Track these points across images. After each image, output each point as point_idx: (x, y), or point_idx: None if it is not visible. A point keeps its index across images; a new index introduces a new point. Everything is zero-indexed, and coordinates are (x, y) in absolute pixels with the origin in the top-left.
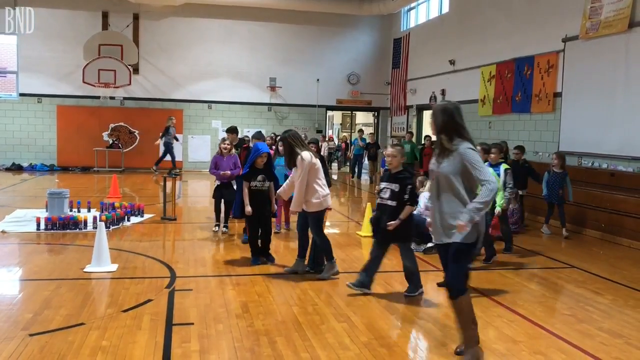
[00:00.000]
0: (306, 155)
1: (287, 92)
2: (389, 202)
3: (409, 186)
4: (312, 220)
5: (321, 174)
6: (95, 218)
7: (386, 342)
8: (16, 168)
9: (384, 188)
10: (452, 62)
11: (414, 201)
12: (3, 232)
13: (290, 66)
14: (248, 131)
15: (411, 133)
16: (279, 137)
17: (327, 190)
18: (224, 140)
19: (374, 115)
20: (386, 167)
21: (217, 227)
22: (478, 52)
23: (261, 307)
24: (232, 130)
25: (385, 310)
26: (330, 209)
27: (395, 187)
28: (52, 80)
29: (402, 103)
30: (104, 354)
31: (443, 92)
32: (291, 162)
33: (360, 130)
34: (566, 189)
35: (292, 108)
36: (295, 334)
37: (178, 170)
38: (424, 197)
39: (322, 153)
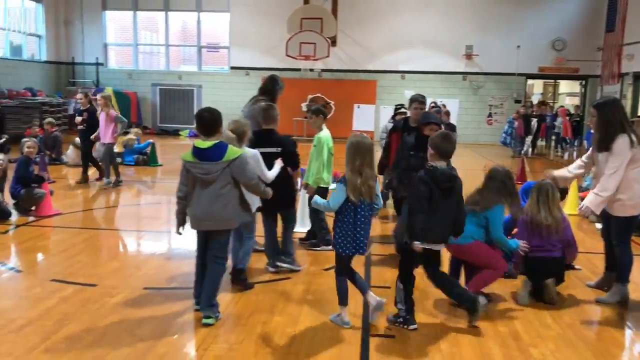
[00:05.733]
0: (627, 139)
1: (484, 60)
2: None
3: None
4: (619, 227)
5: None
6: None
7: (593, 327)
8: None
9: None
10: None
11: None
12: None
13: (488, 33)
14: (441, 101)
15: None
16: (592, 104)
17: None
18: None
19: (581, 84)
20: None
21: None
22: None
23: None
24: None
25: (594, 294)
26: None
27: None
28: (258, 54)
29: (616, 70)
30: (309, 306)
31: None
32: (604, 144)
33: None
34: None
35: (488, 77)
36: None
37: None
38: None
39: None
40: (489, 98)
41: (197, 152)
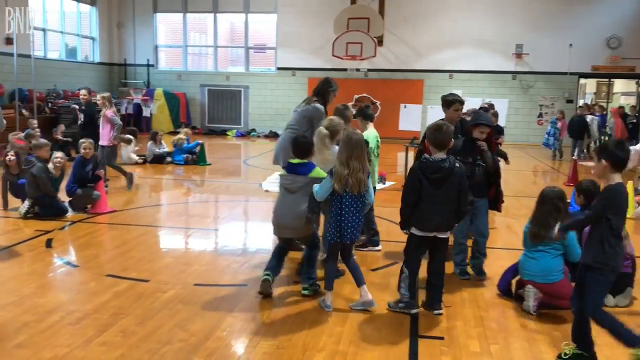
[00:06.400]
0: None
1: (535, 59)
2: None
3: None
4: None
5: None
6: None
7: None
8: (273, 135)
9: None
10: None
11: None
12: (266, 191)
13: (539, 31)
14: (490, 100)
15: None
16: None
17: None
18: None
19: (637, 83)
20: None
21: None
22: None
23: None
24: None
25: None
26: None
27: None
28: (304, 55)
29: None
30: None
31: None
32: None
33: None
34: None
35: (538, 76)
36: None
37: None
38: None
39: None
40: (539, 98)
41: (289, 166)
